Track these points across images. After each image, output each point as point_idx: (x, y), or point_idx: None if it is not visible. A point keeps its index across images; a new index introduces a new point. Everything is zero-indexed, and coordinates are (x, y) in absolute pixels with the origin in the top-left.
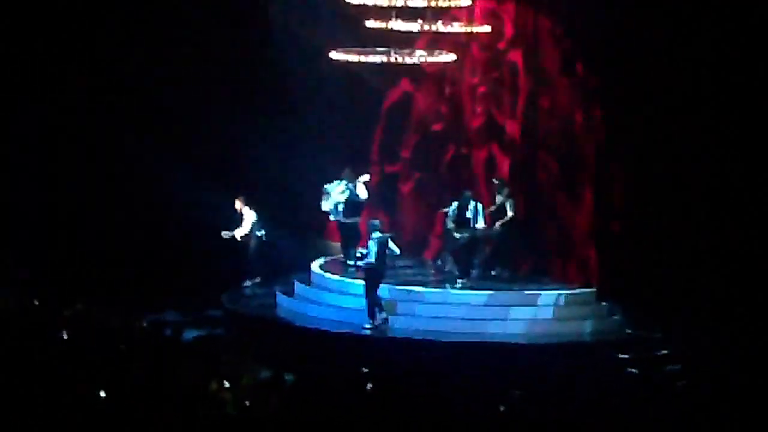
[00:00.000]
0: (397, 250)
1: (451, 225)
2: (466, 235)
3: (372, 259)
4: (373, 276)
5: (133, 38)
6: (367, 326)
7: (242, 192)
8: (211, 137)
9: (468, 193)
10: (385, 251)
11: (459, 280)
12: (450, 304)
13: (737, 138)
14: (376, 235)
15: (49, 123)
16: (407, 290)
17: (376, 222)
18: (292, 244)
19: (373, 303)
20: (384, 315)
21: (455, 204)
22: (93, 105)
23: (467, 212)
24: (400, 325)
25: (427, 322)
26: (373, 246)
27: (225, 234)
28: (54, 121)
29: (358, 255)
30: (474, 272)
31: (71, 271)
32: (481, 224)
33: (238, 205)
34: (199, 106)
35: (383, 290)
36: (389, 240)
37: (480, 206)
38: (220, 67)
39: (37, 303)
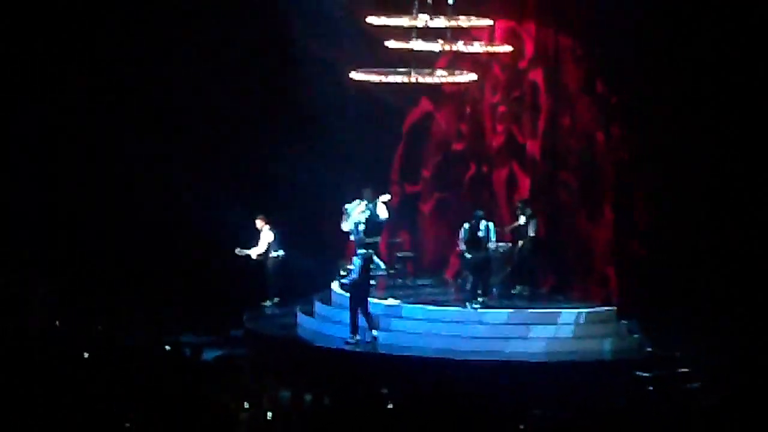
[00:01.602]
0: (383, 266)
1: (463, 246)
2: (479, 255)
3: (356, 275)
4: (358, 292)
5: (161, 55)
6: (350, 341)
7: (263, 211)
8: (232, 156)
9: (479, 213)
10: (369, 267)
11: (477, 300)
12: (470, 322)
13: (762, 155)
14: (362, 251)
15: (65, 138)
16: (427, 309)
17: (362, 237)
18: (312, 264)
19: (356, 318)
20: (374, 333)
21: (467, 225)
22: (117, 126)
23: (479, 232)
24: (419, 344)
25: (447, 341)
26: (357, 262)
27: (239, 251)
28: (70, 136)
29: (343, 272)
30: (493, 291)
31: (92, 292)
32: (493, 244)
33: (259, 224)
34: (221, 126)
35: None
36: (373, 256)
37: (491, 225)
38: (242, 86)
39: (59, 323)
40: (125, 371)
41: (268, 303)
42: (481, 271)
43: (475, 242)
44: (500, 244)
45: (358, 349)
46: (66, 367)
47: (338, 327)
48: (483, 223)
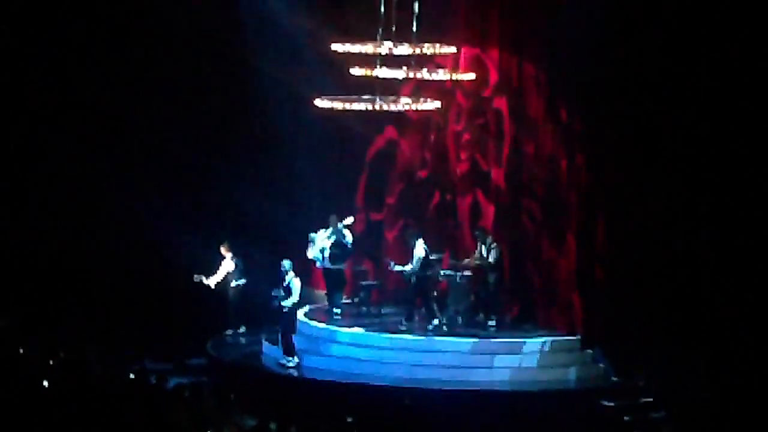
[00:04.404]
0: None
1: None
2: (406, 269)
3: (297, 299)
4: (291, 316)
5: (120, 81)
6: (289, 364)
7: (227, 238)
8: (195, 183)
9: (410, 231)
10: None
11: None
12: (434, 351)
13: (721, 183)
14: (292, 275)
15: (32, 163)
16: (391, 337)
17: (288, 262)
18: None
19: (292, 341)
20: (296, 360)
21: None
22: (77, 149)
23: (413, 249)
24: (386, 373)
25: (412, 370)
26: (296, 287)
27: (196, 278)
28: (36, 162)
29: (275, 294)
30: (458, 319)
31: (54, 320)
32: (414, 262)
33: (223, 251)
34: (187, 154)
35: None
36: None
37: (418, 248)
38: (206, 115)
39: (22, 351)
40: (88, 399)
41: (229, 332)
42: (417, 292)
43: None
44: (461, 273)
45: (329, 378)
46: (26, 397)
47: (304, 356)
48: (419, 242)
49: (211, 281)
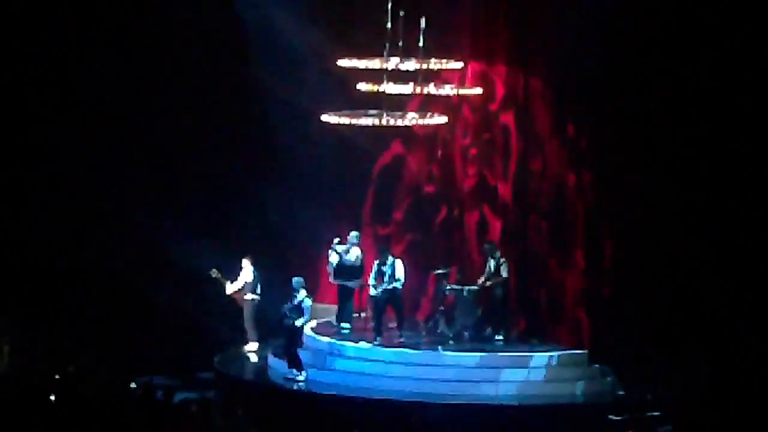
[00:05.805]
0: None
1: (371, 281)
2: (380, 290)
3: (308, 316)
4: (299, 331)
5: (122, 90)
6: (298, 378)
7: (250, 253)
8: (203, 198)
9: (384, 248)
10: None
11: (378, 338)
12: (442, 365)
13: (729, 200)
14: (303, 293)
15: (38, 174)
16: (399, 352)
17: (300, 279)
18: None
19: (297, 356)
20: (304, 374)
21: (376, 261)
22: (85, 160)
23: (383, 267)
24: (392, 387)
25: (419, 384)
26: (308, 306)
27: (214, 273)
28: (42, 171)
29: (286, 312)
30: (465, 334)
31: (60, 333)
32: (399, 282)
33: (245, 263)
34: (190, 169)
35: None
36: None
37: (398, 262)
38: (210, 130)
39: (29, 366)
40: (94, 413)
41: (249, 347)
42: (388, 307)
43: (380, 278)
44: (468, 287)
45: (335, 392)
46: (33, 411)
47: (310, 370)
48: (390, 259)
49: (228, 287)
